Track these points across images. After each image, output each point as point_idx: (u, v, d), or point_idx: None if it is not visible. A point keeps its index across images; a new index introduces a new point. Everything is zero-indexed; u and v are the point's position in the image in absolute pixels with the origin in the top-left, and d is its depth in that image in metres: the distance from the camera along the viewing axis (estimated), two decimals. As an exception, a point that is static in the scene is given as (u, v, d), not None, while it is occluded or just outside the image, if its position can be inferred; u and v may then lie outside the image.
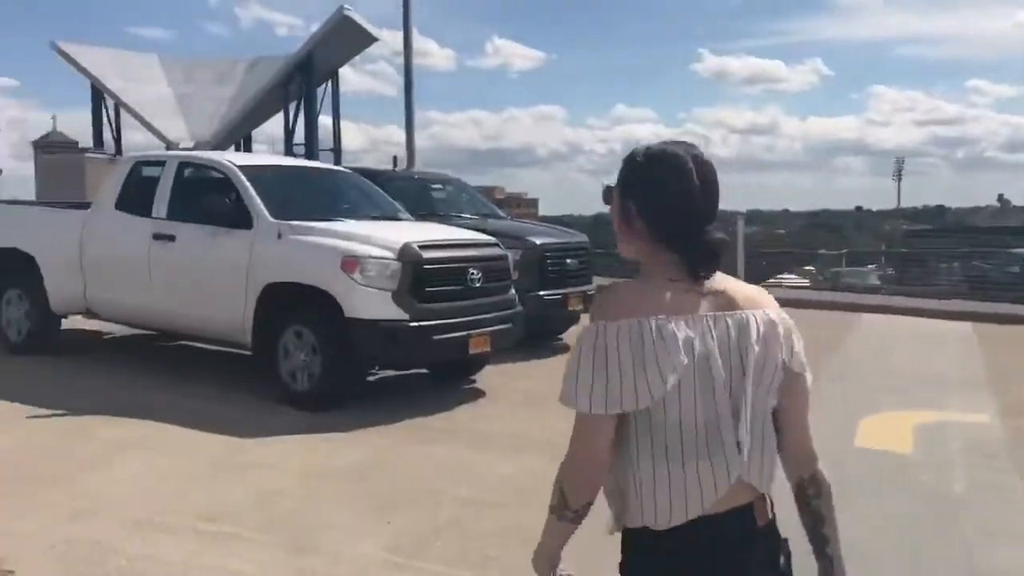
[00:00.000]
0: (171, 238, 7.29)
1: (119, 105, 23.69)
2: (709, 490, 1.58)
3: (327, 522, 4.35)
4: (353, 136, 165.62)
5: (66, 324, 8.67)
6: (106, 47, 25.34)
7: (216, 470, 5.16)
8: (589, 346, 1.55)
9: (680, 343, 1.53)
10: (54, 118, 27.16)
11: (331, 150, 24.24)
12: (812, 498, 1.71)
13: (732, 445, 1.59)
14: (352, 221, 7.19)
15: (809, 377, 1.71)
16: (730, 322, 1.60)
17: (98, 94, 23.95)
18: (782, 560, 1.68)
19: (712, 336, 1.58)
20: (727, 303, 1.62)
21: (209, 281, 7.05)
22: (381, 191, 8.44)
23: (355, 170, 9.26)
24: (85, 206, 8.55)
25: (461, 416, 6.55)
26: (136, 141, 24.98)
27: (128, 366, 8.14)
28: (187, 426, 5.97)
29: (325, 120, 24.54)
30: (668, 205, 1.62)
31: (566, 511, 1.64)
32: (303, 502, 4.68)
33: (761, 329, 1.63)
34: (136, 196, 7.76)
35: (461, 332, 6.63)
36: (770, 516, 1.67)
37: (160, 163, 7.96)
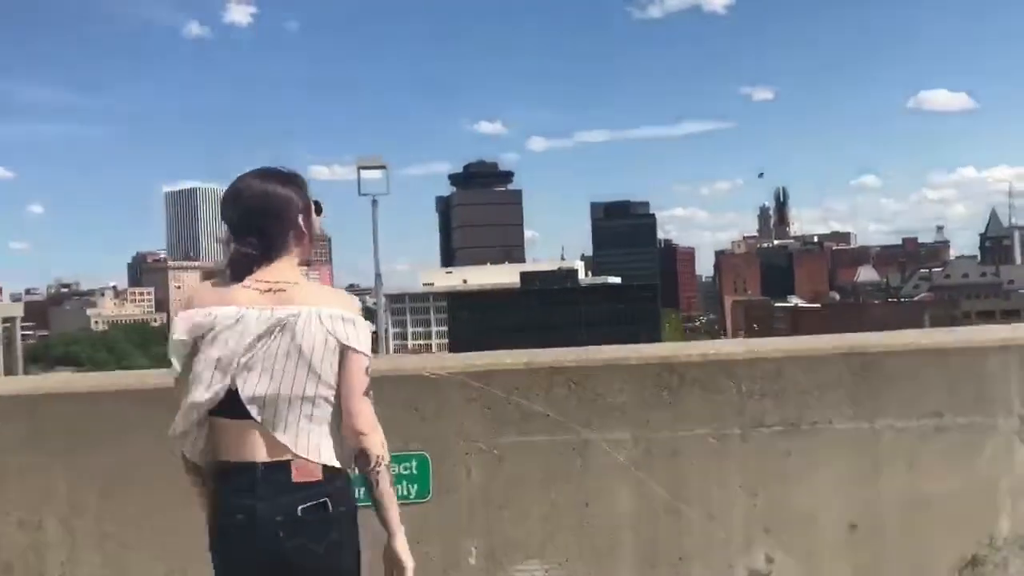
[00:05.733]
0: None
1: None
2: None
3: None
4: None
5: None
6: None
7: None
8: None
9: (193, 326, 2.13)
10: None
11: None
12: (362, 468, 2.15)
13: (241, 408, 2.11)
14: None
15: (363, 361, 2.14)
16: (274, 313, 2.10)
17: None
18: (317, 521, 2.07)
19: (243, 322, 2.09)
20: (283, 299, 2.12)
21: None
22: None
23: None
24: None
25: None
26: None
27: None
28: None
29: None
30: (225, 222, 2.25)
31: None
32: None
33: (304, 321, 2.09)
34: None
35: None
36: (310, 479, 2.10)
37: None
